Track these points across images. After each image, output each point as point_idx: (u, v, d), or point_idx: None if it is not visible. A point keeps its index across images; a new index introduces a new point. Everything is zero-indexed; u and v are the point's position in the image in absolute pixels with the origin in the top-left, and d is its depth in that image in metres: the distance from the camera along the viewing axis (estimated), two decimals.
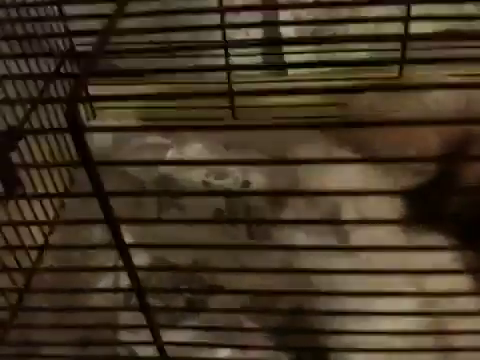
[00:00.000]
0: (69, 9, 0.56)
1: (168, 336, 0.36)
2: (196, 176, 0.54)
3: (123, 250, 0.30)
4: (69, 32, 0.57)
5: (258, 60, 0.68)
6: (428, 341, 0.36)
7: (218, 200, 0.53)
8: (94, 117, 0.68)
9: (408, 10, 0.53)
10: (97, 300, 0.44)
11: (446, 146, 0.45)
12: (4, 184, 0.39)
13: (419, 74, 0.50)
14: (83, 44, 0.57)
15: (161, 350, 0.36)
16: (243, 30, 0.56)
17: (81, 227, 0.52)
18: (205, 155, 0.57)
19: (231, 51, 0.57)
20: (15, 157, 0.42)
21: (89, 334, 0.43)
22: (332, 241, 0.43)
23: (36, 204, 0.51)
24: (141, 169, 0.57)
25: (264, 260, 0.38)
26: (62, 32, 0.57)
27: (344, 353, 0.37)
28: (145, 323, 0.34)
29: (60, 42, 0.59)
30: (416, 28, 0.51)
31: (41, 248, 0.51)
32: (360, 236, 0.41)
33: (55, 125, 0.57)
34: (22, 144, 0.47)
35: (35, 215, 0.50)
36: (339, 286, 0.31)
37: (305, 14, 0.60)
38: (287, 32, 0.63)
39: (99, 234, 0.50)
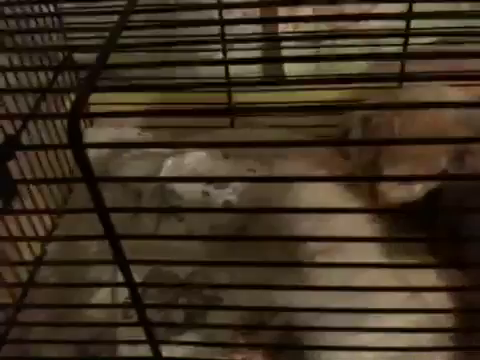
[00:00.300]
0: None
1: (167, 350, 0.36)
2: (195, 185, 0.54)
3: (124, 266, 0.29)
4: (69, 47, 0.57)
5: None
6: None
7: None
8: (91, 124, 0.68)
9: (407, 24, 0.53)
10: (94, 312, 0.44)
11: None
12: (1, 195, 0.38)
13: (418, 84, 0.50)
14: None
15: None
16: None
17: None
18: (204, 163, 0.57)
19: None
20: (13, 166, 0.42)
21: (86, 348, 0.42)
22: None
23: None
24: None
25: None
26: (61, 45, 0.57)
27: None
28: (144, 336, 0.33)
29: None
30: (416, 24, 0.51)
31: (39, 260, 0.51)
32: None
33: (53, 134, 0.57)
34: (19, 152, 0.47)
35: (33, 226, 0.50)
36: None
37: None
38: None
39: (97, 243, 0.49)
